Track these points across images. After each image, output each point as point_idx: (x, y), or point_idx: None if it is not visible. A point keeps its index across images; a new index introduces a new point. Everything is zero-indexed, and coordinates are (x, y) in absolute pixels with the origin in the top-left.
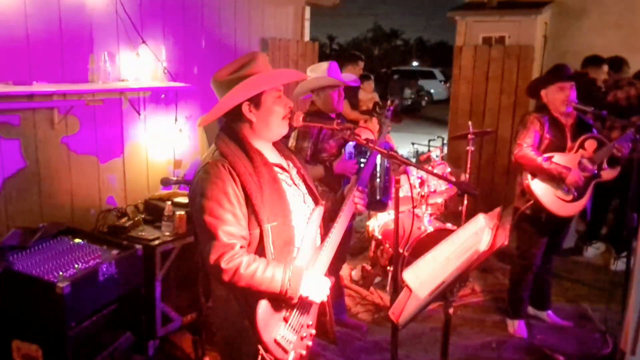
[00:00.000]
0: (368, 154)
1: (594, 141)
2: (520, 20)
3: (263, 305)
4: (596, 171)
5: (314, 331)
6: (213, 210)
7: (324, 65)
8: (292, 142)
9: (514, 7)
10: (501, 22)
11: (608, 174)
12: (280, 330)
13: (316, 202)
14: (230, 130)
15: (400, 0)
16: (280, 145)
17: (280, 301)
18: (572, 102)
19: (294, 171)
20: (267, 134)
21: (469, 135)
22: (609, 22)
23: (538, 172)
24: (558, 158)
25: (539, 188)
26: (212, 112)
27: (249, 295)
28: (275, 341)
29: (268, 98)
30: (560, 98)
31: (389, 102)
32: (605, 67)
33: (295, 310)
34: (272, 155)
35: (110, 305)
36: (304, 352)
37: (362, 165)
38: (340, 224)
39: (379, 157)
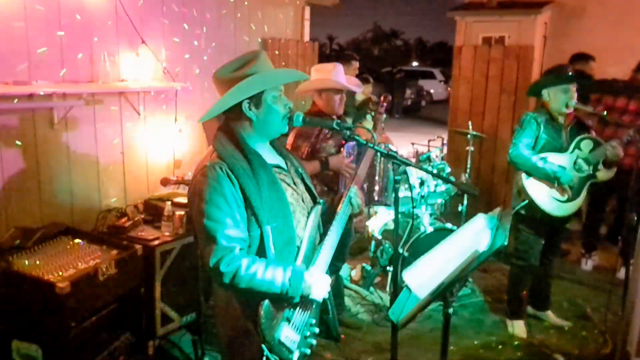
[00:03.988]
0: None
1: (591, 141)
2: (520, 20)
3: (265, 306)
4: (592, 171)
5: (317, 330)
6: (212, 214)
7: (329, 66)
8: (290, 140)
9: (514, 7)
10: (501, 22)
11: (604, 174)
12: (284, 330)
13: (314, 201)
14: (228, 130)
15: (400, 0)
16: (278, 144)
17: (283, 301)
18: (573, 104)
19: (292, 170)
20: (266, 133)
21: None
22: (609, 22)
23: (532, 172)
24: (553, 158)
25: (534, 188)
26: (213, 109)
27: (250, 297)
28: (280, 341)
29: (268, 97)
30: (563, 99)
31: (381, 98)
32: (592, 63)
33: (297, 309)
34: (270, 155)
35: (110, 305)
36: (308, 352)
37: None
38: (338, 221)
39: (378, 157)
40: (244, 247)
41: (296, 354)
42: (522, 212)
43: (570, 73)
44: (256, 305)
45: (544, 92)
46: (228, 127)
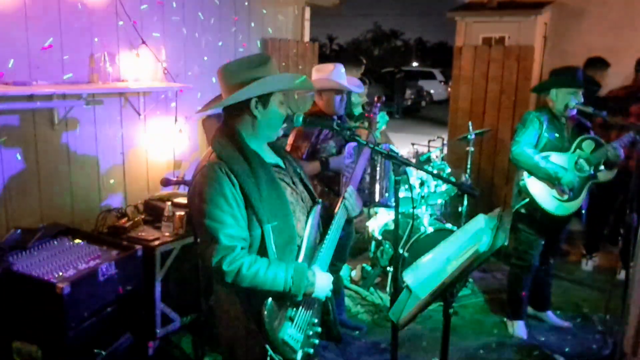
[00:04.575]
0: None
1: (592, 142)
2: (520, 20)
3: (269, 306)
4: (593, 172)
5: (319, 329)
6: (213, 214)
7: (330, 67)
8: (290, 140)
9: (514, 7)
10: (501, 22)
11: (605, 175)
12: (288, 330)
13: (313, 201)
14: (227, 130)
15: (400, 0)
16: (277, 144)
17: (285, 300)
18: (573, 104)
19: (290, 170)
20: (265, 134)
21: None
22: (609, 23)
23: (533, 171)
24: (555, 158)
25: (535, 187)
26: (224, 101)
27: (253, 296)
28: (284, 341)
29: (276, 100)
30: (570, 101)
31: (375, 99)
32: (609, 70)
33: (300, 308)
34: (269, 155)
35: (110, 306)
36: (311, 351)
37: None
38: (337, 221)
39: (378, 157)
40: (245, 247)
41: (299, 354)
42: (523, 211)
43: (580, 78)
44: (259, 305)
45: (552, 92)
46: (228, 126)
